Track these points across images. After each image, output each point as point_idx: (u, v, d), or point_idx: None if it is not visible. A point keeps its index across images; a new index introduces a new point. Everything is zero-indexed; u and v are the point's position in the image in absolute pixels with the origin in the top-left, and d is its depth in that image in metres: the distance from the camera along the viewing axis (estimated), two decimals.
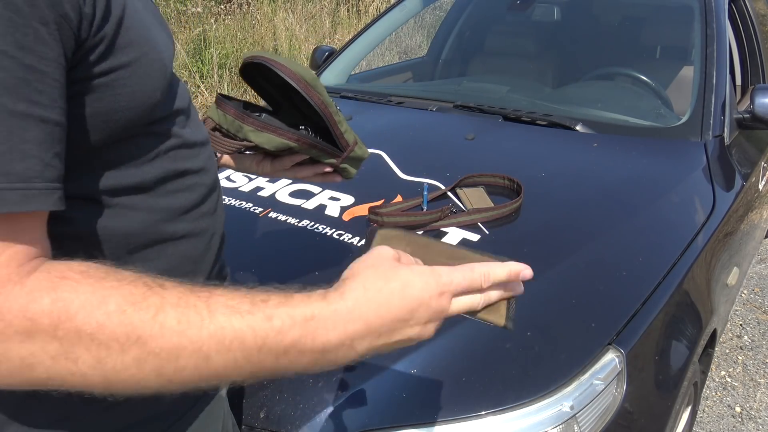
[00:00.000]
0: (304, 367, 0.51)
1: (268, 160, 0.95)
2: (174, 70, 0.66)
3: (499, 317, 0.60)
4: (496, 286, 0.57)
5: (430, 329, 0.56)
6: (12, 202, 0.43)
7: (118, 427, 0.63)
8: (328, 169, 0.94)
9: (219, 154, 0.95)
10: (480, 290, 0.56)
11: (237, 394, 1.02)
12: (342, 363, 0.52)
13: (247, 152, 0.91)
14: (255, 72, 0.90)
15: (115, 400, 0.49)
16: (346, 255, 1.29)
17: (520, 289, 0.59)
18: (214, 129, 0.89)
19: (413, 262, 0.57)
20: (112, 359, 0.45)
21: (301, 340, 0.49)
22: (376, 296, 0.51)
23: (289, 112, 0.95)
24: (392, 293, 0.52)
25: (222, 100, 0.89)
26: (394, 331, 0.53)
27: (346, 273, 0.54)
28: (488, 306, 0.58)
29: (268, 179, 1.64)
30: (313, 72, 0.91)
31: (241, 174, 1.67)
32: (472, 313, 0.59)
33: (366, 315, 0.51)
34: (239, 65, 1.06)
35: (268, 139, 0.84)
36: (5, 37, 0.42)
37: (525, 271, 0.58)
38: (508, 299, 0.60)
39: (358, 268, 0.54)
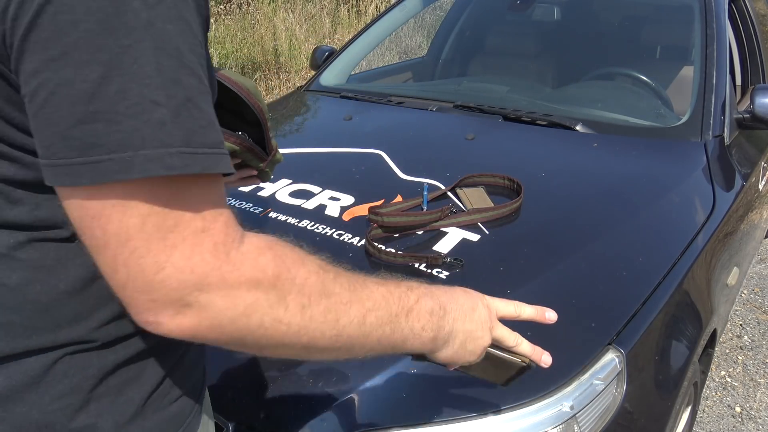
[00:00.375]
0: (418, 331, 0.64)
1: None
2: None
3: (500, 378, 0.78)
4: (526, 344, 0.77)
5: (487, 338, 0.72)
6: (224, 164, 0.50)
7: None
8: (252, 173, 1.02)
9: None
10: (514, 318, 0.76)
11: (236, 393, 1.02)
12: (437, 335, 0.66)
13: None
14: None
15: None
16: (346, 255, 1.29)
17: (547, 359, 0.79)
18: None
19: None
20: (310, 308, 0.54)
21: (421, 308, 0.65)
22: (463, 309, 0.70)
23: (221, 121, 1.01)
24: (471, 307, 0.71)
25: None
26: (470, 333, 0.70)
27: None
28: (502, 366, 0.76)
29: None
30: (252, 81, 0.99)
31: None
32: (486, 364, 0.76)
33: (460, 311, 0.69)
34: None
35: None
36: (194, 36, 0.49)
37: (549, 313, 0.78)
38: (525, 367, 0.77)
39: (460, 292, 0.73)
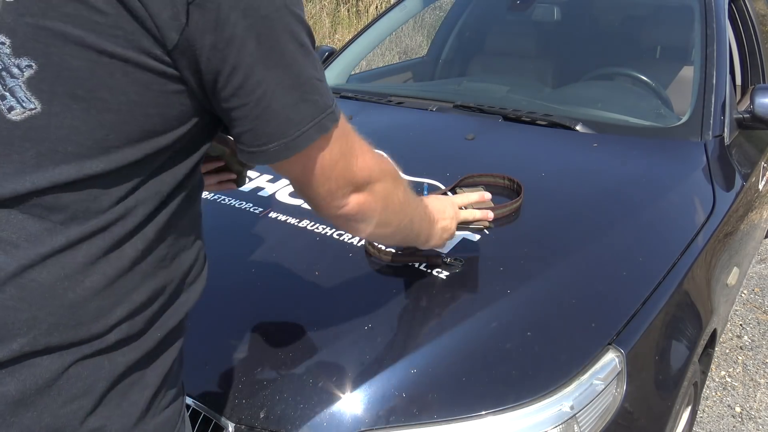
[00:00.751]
0: (423, 231, 1.02)
1: None
2: None
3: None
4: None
5: (453, 224, 1.12)
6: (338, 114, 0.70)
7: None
8: (231, 176, 1.04)
9: None
10: (466, 204, 1.20)
11: (236, 393, 1.02)
12: (433, 232, 1.06)
13: None
14: None
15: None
16: (346, 255, 1.29)
17: (490, 215, 1.21)
18: None
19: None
20: (406, 194, 0.89)
21: (427, 213, 1.02)
22: (440, 205, 1.09)
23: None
24: (445, 204, 1.11)
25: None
26: (443, 218, 1.09)
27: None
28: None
29: (268, 179, 1.64)
30: None
31: None
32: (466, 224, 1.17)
33: (441, 210, 1.09)
34: None
35: (213, 147, 0.94)
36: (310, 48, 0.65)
37: (489, 213, 1.21)
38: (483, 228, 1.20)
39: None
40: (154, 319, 0.64)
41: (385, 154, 0.82)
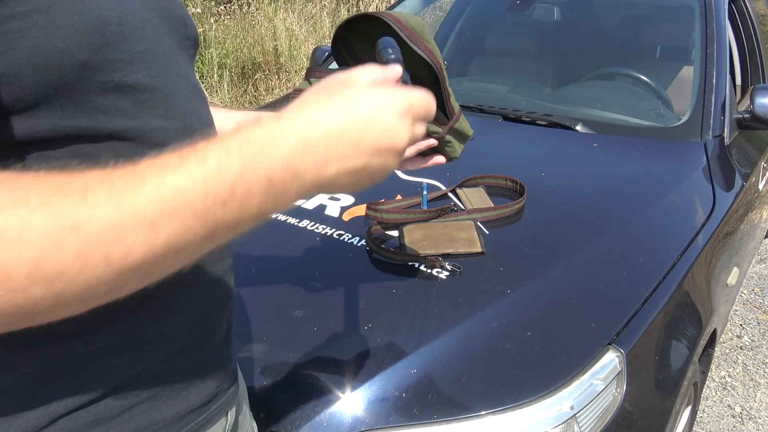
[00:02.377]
0: (260, 209, 0.44)
1: None
2: (167, 46, 0.56)
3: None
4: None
5: (393, 161, 0.49)
6: None
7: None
8: (431, 143, 0.80)
9: None
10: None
11: None
12: (299, 196, 0.46)
13: None
14: (343, 50, 0.79)
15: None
16: (345, 255, 1.29)
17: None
18: None
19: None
20: (49, 260, 0.37)
21: (244, 174, 0.42)
22: (316, 112, 0.45)
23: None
24: (336, 108, 0.46)
25: (313, 69, 0.80)
26: (346, 157, 0.46)
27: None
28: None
29: None
30: (420, 19, 0.75)
31: None
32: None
33: (305, 133, 0.44)
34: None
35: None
36: None
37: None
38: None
39: (307, 90, 0.48)
40: None
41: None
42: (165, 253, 0.41)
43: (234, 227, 0.44)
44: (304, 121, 0.45)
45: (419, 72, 0.76)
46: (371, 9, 7.02)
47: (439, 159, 0.85)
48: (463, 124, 0.83)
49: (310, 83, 0.78)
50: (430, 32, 0.79)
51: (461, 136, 0.84)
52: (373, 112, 0.47)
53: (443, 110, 0.79)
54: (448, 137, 0.82)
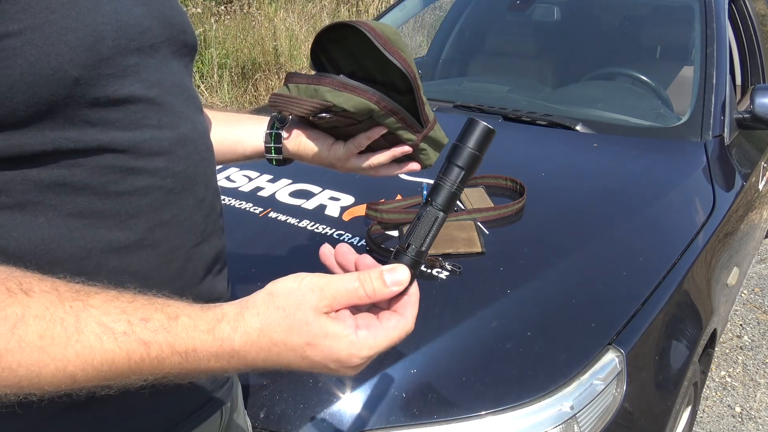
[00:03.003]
0: (185, 379, 0.48)
1: (340, 143, 0.85)
2: (161, 56, 0.57)
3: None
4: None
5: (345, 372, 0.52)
6: None
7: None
8: (405, 150, 0.83)
9: (287, 141, 0.86)
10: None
11: None
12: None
13: (322, 116, 0.80)
14: (322, 57, 0.83)
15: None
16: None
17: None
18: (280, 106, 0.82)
19: (345, 317, 0.51)
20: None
21: (181, 368, 0.46)
22: (269, 348, 0.48)
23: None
24: (289, 350, 0.48)
25: (292, 75, 0.82)
26: (288, 365, 0.50)
27: (259, 296, 0.50)
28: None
29: (268, 179, 1.64)
30: (395, 29, 0.78)
31: (241, 174, 1.67)
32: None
33: (252, 359, 0.48)
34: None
35: (347, 99, 0.75)
36: None
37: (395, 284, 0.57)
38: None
39: (267, 303, 0.49)
40: None
41: None
42: (75, 390, 0.44)
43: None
44: (255, 354, 0.47)
45: (395, 81, 0.79)
46: (371, 9, 7.03)
47: (414, 166, 0.87)
48: (438, 132, 0.86)
49: (289, 89, 0.81)
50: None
51: (436, 144, 0.87)
52: (324, 362, 0.49)
53: (418, 118, 0.82)
54: (423, 145, 0.84)
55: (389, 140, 0.83)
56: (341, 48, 0.80)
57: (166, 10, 0.59)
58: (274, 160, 0.88)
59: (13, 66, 0.44)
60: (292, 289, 0.51)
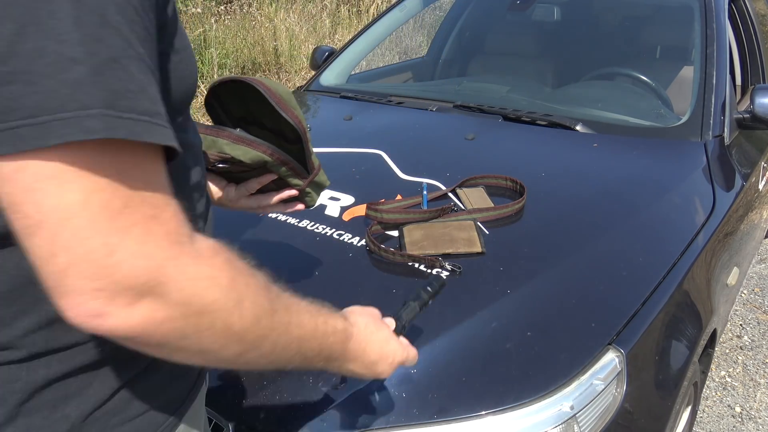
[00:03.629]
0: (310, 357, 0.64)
1: (232, 186, 0.95)
2: None
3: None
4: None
5: (387, 368, 0.75)
6: (160, 134, 0.45)
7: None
8: (292, 193, 0.95)
9: None
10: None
11: (236, 393, 1.02)
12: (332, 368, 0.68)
13: (220, 166, 0.90)
14: (214, 101, 0.91)
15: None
16: (345, 255, 1.29)
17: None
18: None
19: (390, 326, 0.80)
20: (262, 320, 0.53)
21: (332, 345, 0.65)
22: (369, 336, 0.72)
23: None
24: (378, 344, 0.73)
25: (208, 127, 0.90)
26: (370, 364, 0.72)
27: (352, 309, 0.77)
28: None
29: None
30: (287, 88, 0.91)
31: None
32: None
33: (363, 349, 0.71)
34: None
35: (244, 152, 0.85)
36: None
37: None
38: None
39: (360, 310, 0.77)
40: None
41: (222, 245, 0.53)
42: (284, 357, 0.59)
43: (311, 364, 0.64)
44: (365, 341, 0.71)
45: (287, 133, 0.89)
46: (371, 9, 7.02)
47: (299, 206, 0.99)
48: (321, 177, 0.97)
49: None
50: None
51: (319, 187, 0.98)
52: (389, 354, 0.74)
53: (305, 166, 0.92)
54: (308, 189, 0.96)
55: (277, 184, 0.93)
56: (236, 99, 0.89)
57: None
58: None
59: (174, 77, 0.56)
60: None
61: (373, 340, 0.72)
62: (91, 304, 0.42)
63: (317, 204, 1.04)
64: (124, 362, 0.59)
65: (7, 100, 0.40)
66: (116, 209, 0.42)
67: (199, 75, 5.20)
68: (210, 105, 0.91)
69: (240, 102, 0.88)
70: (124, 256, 0.42)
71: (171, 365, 0.63)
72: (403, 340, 0.80)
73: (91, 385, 0.57)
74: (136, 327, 0.44)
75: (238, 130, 0.88)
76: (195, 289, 0.46)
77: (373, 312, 0.78)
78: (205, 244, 0.49)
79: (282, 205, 0.97)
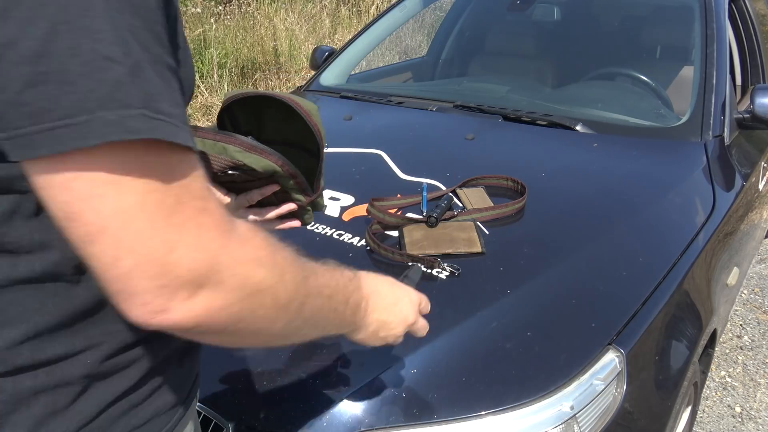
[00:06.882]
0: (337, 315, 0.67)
1: (232, 195, 0.94)
2: None
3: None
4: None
5: (400, 330, 0.77)
6: (185, 135, 0.45)
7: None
8: (292, 208, 0.94)
9: None
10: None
11: (236, 393, 1.02)
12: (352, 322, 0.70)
13: (230, 173, 0.89)
14: (225, 112, 0.91)
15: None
16: (346, 255, 1.29)
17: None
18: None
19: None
20: (299, 288, 0.55)
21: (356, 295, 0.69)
22: (375, 277, 0.75)
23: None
24: (392, 301, 0.75)
25: (195, 128, 0.88)
26: (390, 305, 0.75)
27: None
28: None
29: None
30: (314, 104, 0.90)
31: None
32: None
33: (382, 301, 0.74)
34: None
35: (256, 160, 0.84)
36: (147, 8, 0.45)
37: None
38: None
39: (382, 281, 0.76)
40: (77, 344, 0.54)
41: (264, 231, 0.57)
42: (317, 319, 0.62)
43: (339, 319, 0.68)
44: (379, 301, 0.74)
45: (309, 147, 0.90)
46: (371, 9, 7.02)
47: (295, 223, 0.98)
48: (320, 199, 0.99)
49: (199, 140, 0.89)
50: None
51: (317, 207, 0.99)
52: (402, 309, 0.76)
53: (311, 183, 0.92)
54: (309, 206, 0.96)
55: (278, 197, 0.92)
56: (247, 112, 0.89)
57: None
58: None
59: (184, 74, 0.54)
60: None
61: (379, 280, 0.75)
62: (157, 302, 0.44)
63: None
64: (116, 374, 0.58)
65: (42, 101, 0.39)
66: (170, 207, 0.43)
67: (198, 75, 5.20)
68: (221, 120, 0.91)
69: (250, 116, 0.88)
70: (183, 252, 0.44)
71: (161, 379, 0.63)
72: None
73: (75, 401, 0.55)
74: (198, 317, 0.46)
75: (249, 137, 0.86)
76: (246, 271, 0.48)
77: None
78: (244, 227, 0.51)
79: (277, 220, 0.97)
